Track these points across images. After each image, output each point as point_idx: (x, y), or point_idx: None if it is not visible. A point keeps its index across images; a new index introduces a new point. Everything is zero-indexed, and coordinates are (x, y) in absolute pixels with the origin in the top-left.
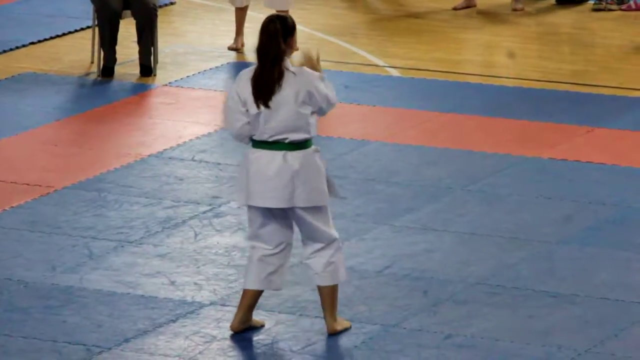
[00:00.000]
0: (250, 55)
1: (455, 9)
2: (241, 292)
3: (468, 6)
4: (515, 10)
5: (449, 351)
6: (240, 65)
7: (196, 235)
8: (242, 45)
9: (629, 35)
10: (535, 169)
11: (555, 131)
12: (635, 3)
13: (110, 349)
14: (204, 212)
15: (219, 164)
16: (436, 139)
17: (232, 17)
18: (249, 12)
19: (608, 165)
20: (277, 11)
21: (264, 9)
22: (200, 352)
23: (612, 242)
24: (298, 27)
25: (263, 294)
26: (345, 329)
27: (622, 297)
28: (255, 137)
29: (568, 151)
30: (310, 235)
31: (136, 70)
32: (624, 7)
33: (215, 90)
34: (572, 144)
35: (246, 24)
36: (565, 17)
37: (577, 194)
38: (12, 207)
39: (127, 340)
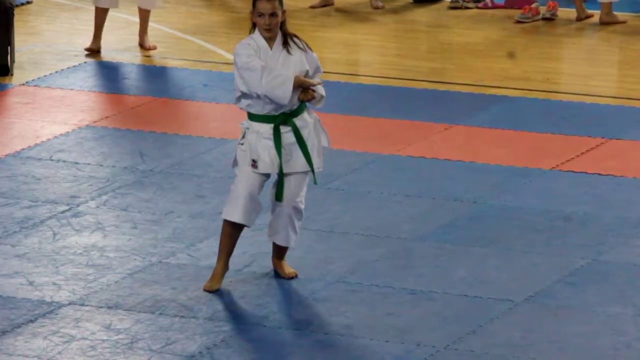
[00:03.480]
0: (108, 55)
1: (312, 7)
2: (99, 291)
3: (325, 4)
4: (375, 8)
5: (309, 348)
6: (97, 65)
7: (54, 235)
8: (100, 46)
9: (486, 32)
10: (393, 167)
11: (413, 129)
12: (492, 1)
13: None
14: (62, 212)
15: (77, 163)
16: None
17: (89, 17)
18: (111, 11)
19: (465, 162)
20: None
21: (123, 8)
22: (59, 352)
23: (469, 238)
24: (155, 26)
25: (121, 293)
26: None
27: (479, 294)
28: None
29: (426, 148)
30: None
31: None
32: (480, 5)
33: (72, 90)
34: (430, 141)
35: (106, 23)
36: (423, 15)
37: (434, 191)
38: None
39: None
